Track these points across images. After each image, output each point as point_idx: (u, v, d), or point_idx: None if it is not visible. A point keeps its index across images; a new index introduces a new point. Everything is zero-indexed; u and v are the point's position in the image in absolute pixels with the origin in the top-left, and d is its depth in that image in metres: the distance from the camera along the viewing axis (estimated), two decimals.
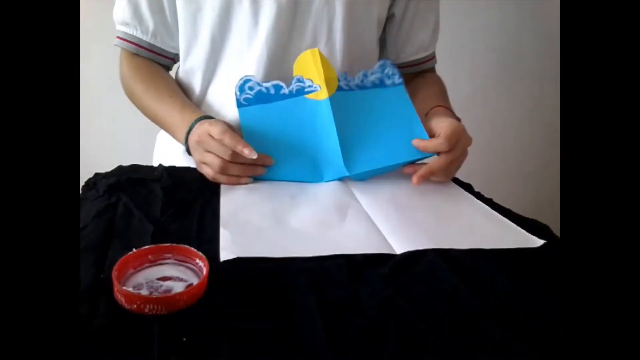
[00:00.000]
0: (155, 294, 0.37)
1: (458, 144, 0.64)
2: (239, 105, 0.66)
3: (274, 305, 0.37)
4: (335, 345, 0.33)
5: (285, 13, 0.69)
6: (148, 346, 0.32)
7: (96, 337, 0.32)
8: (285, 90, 0.68)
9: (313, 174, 0.65)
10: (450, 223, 0.56)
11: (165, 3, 0.71)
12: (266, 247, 0.45)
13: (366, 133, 0.68)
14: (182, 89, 0.78)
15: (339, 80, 0.69)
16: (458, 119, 0.71)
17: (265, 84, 0.67)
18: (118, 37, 0.74)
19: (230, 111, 0.74)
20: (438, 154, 0.65)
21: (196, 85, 0.76)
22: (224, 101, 0.74)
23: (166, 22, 0.73)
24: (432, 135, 0.66)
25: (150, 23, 0.72)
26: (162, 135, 0.85)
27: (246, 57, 0.72)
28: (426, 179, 0.64)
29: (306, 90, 0.68)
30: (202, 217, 0.51)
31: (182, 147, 0.82)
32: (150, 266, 0.40)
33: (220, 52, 0.73)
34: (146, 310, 0.34)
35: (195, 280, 0.39)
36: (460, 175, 0.73)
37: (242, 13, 0.69)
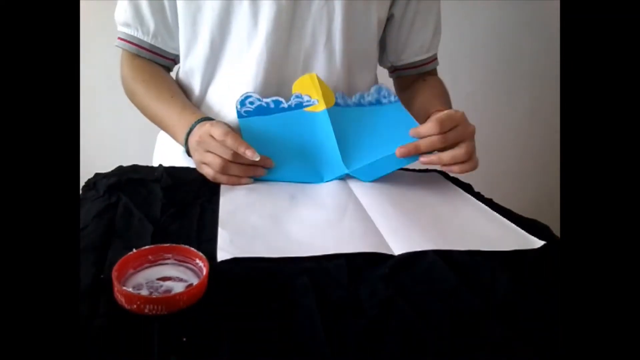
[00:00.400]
0: (155, 294, 0.37)
1: (456, 128, 0.63)
2: (240, 116, 0.69)
3: (273, 305, 0.37)
4: (335, 345, 0.33)
5: (285, 14, 0.69)
6: (148, 346, 0.32)
7: (96, 337, 0.32)
8: (285, 105, 0.71)
9: (313, 174, 0.66)
10: (449, 224, 0.56)
11: (166, 3, 0.71)
12: (264, 247, 0.45)
13: (364, 137, 0.69)
14: (182, 90, 0.78)
15: (336, 99, 0.73)
16: None
17: (265, 99, 0.70)
18: (119, 38, 0.74)
19: (230, 113, 0.74)
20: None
21: (196, 86, 0.76)
22: (223, 102, 0.74)
23: (167, 22, 0.73)
24: None
25: (151, 24, 0.72)
26: (163, 136, 0.85)
27: (245, 57, 0.72)
28: (419, 153, 0.63)
29: (304, 104, 0.71)
30: (202, 217, 0.51)
31: (182, 148, 0.82)
32: (150, 266, 0.40)
33: (220, 52, 0.73)
34: (146, 310, 0.34)
35: (195, 281, 0.39)
36: (460, 175, 0.73)
37: (241, 14, 0.69)
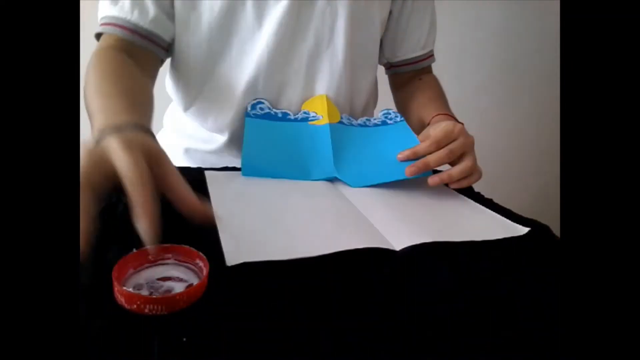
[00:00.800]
0: (155, 295, 0.37)
1: (458, 140, 0.63)
2: (247, 115, 0.72)
3: (273, 305, 0.37)
4: (335, 345, 0.33)
5: (289, 16, 0.69)
6: (148, 346, 0.32)
7: (96, 337, 0.32)
8: (292, 117, 0.75)
9: (301, 171, 0.66)
10: (440, 217, 0.57)
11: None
12: (270, 251, 0.44)
13: (361, 152, 0.71)
14: (176, 88, 0.78)
15: (341, 119, 0.76)
16: (459, 122, 0.70)
17: (274, 109, 0.75)
18: (107, 23, 0.66)
19: (228, 113, 0.74)
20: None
21: (192, 84, 0.75)
22: (222, 101, 0.74)
23: (167, 8, 0.68)
24: None
25: (151, 9, 0.67)
26: (159, 137, 0.85)
27: (247, 59, 0.72)
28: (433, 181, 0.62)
29: (310, 118, 0.75)
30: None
31: (182, 148, 0.82)
32: (150, 266, 0.40)
33: (219, 53, 0.72)
34: (146, 310, 0.34)
35: (195, 281, 0.39)
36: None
37: (244, 16, 0.69)
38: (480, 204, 0.63)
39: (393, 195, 0.62)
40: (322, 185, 0.64)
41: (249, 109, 0.73)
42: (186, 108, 0.79)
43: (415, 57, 0.86)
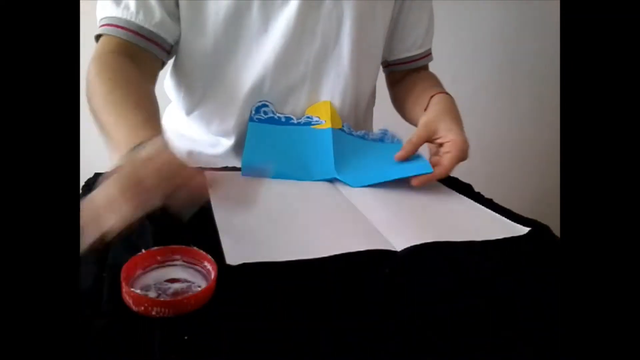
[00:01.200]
0: (163, 296, 0.36)
1: (435, 135, 0.66)
2: (251, 119, 0.73)
3: (274, 305, 0.37)
4: (335, 345, 0.33)
5: (294, 19, 0.68)
6: (149, 346, 0.32)
7: (98, 337, 0.32)
8: (295, 121, 0.75)
9: (302, 172, 0.66)
10: (440, 217, 0.57)
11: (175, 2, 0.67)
12: (270, 252, 0.44)
13: (361, 156, 0.72)
14: (178, 91, 0.77)
15: (343, 127, 0.77)
16: (450, 97, 0.74)
17: (278, 114, 0.75)
18: (108, 24, 0.64)
19: (231, 116, 0.73)
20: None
21: (196, 87, 0.75)
22: (228, 104, 0.74)
23: (171, 10, 0.67)
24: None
25: (156, 10, 0.65)
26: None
27: (252, 62, 0.71)
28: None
29: (312, 122, 0.75)
30: (202, 218, 0.51)
31: (184, 151, 0.81)
32: (158, 267, 0.40)
33: (225, 56, 0.71)
34: (153, 312, 0.34)
35: (203, 284, 0.38)
36: (460, 175, 0.73)
37: (250, 18, 0.68)
38: (481, 204, 0.63)
39: (393, 195, 0.62)
40: (322, 185, 0.64)
41: (253, 112, 0.73)
42: (189, 112, 0.78)
43: (413, 56, 0.85)
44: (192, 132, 0.80)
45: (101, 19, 0.66)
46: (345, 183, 0.65)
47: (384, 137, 0.80)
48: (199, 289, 0.37)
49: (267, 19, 0.68)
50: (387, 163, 0.68)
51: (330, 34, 0.72)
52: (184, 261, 0.41)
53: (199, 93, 0.75)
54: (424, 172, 0.64)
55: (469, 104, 0.84)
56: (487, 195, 0.67)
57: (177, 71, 0.77)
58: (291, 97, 0.75)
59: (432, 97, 0.73)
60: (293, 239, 0.48)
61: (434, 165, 0.65)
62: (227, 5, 0.66)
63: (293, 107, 0.76)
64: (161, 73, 0.73)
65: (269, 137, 0.71)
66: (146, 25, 0.65)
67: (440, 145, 0.66)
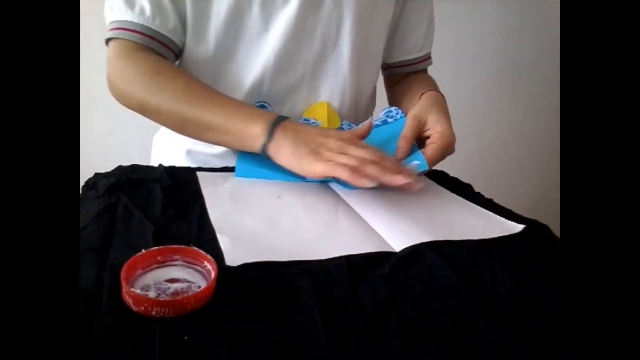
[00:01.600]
0: (163, 296, 0.36)
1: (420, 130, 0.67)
2: None
3: (274, 306, 0.37)
4: (335, 345, 0.33)
5: (295, 20, 0.68)
6: (149, 346, 0.32)
7: (98, 337, 0.32)
8: None
9: (295, 174, 0.65)
10: (437, 216, 0.57)
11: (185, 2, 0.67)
12: (268, 252, 0.44)
13: None
14: None
15: (341, 125, 0.76)
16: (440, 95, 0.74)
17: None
18: (119, 28, 0.65)
19: None
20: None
21: None
22: None
23: (182, 16, 0.68)
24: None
25: (171, 16, 0.66)
26: (160, 137, 0.85)
27: (252, 62, 0.71)
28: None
29: (310, 124, 0.74)
30: (202, 218, 0.51)
31: (183, 148, 0.81)
32: (158, 267, 0.40)
33: (225, 56, 0.71)
34: (153, 312, 0.34)
35: (203, 284, 0.38)
36: (460, 175, 0.73)
37: (251, 18, 0.68)
38: (481, 204, 0.63)
39: (389, 196, 0.62)
40: (318, 186, 0.64)
41: None
42: None
43: (412, 59, 0.85)
44: None
45: (112, 22, 0.66)
46: (340, 185, 0.65)
47: (386, 117, 0.77)
48: (199, 289, 0.37)
49: (267, 18, 0.68)
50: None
51: (330, 34, 0.72)
52: (183, 261, 0.41)
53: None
54: (419, 170, 0.64)
55: (469, 104, 0.84)
56: (487, 195, 0.67)
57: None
58: (290, 98, 0.75)
59: (422, 94, 0.74)
60: (292, 241, 0.48)
61: None
62: (229, 4, 0.67)
63: (291, 108, 0.76)
64: None
65: None
66: (162, 31, 0.66)
67: (427, 137, 0.66)
